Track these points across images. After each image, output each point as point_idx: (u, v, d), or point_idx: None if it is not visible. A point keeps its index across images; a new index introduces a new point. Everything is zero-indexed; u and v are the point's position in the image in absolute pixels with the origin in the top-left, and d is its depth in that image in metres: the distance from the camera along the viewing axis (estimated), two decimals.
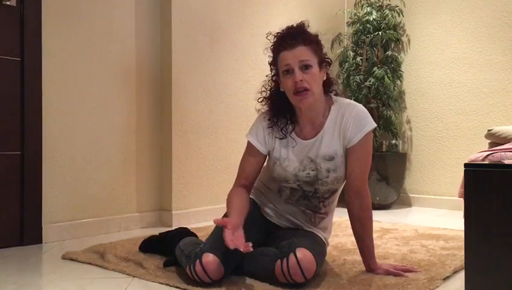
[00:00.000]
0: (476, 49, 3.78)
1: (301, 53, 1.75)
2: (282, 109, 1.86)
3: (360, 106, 1.86)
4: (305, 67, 1.75)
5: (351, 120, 1.80)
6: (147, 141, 3.09)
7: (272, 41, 1.83)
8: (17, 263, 2.19)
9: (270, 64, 1.87)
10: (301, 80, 1.73)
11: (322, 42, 1.87)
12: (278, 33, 1.82)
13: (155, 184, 3.14)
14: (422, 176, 4.05)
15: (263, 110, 1.93)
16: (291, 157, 1.86)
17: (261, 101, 1.92)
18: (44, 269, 2.15)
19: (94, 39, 2.82)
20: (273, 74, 1.87)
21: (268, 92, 1.91)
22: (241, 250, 1.61)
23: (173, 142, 3.10)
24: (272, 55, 1.84)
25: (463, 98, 3.84)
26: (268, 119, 1.89)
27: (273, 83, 1.89)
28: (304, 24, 1.83)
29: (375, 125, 1.85)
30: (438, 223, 3.15)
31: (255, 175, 1.94)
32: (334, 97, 1.89)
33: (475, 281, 1.41)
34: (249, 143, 1.92)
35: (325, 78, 1.84)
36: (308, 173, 1.85)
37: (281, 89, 1.83)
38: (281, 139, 1.88)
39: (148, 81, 3.10)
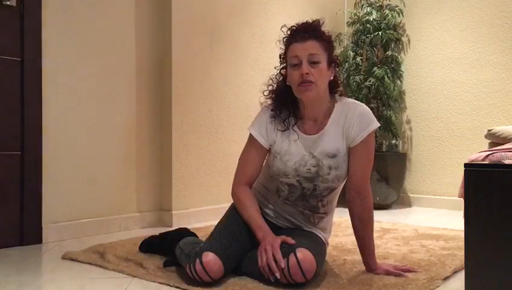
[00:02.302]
0: (476, 49, 3.78)
1: (311, 47, 1.76)
2: (285, 101, 1.87)
3: (364, 105, 1.87)
4: (313, 61, 1.76)
5: (355, 119, 1.81)
6: (147, 141, 3.09)
7: (286, 33, 1.85)
8: (17, 263, 2.19)
9: (281, 56, 1.89)
10: (307, 73, 1.75)
11: (334, 43, 1.89)
12: (292, 26, 1.85)
13: (155, 184, 3.14)
14: (422, 176, 4.05)
15: (266, 104, 1.94)
16: (292, 151, 1.86)
17: (266, 94, 1.92)
18: (44, 269, 2.15)
19: (94, 39, 2.82)
20: (282, 66, 1.89)
21: (275, 85, 1.91)
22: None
23: (173, 142, 3.10)
24: (283, 47, 1.86)
25: (463, 98, 3.84)
26: (271, 110, 1.90)
27: (281, 77, 1.90)
28: (319, 22, 1.85)
29: (379, 124, 1.85)
30: (438, 223, 3.15)
31: (257, 172, 1.93)
32: (337, 96, 1.90)
33: (475, 281, 1.41)
34: (251, 136, 1.92)
35: (332, 78, 1.85)
36: (309, 169, 1.84)
37: (287, 83, 1.84)
38: (282, 131, 1.88)
39: (148, 81, 3.10)
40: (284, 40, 1.85)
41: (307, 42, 1.77)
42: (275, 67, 1.94)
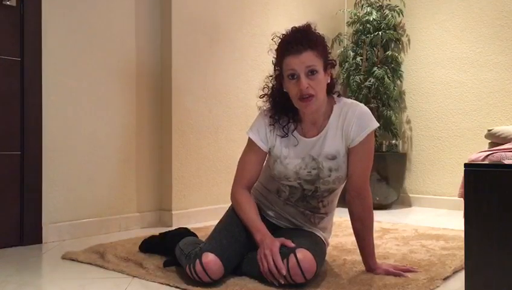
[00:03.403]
0: (476, 49, 3.78)
1: (307, 59, 1.72)
2: (284, 107, 1.85)
3: (363, 105, 1.85)
4: (311, 72, 1.72)
5: (354, 120, 1.79)
6: (147, 141, 3.09)
7: (277, 43, 1.80)
8: (17, 263, 2.19)
9: (274, 64, 1.84)
10: (307, 87, 1.72)
11: (328, 43, 1.84)
12: (283, 35, 1.79)
13: (155, 184, 3.14)
14: (422, 176, 4.05)
15: (265, 108, 1.92)
16: (292, 155, 1.86)
17: (262, 98, 1.91)
18: (44, 269, 2.15)
19: (94, 39, 2.82)
20: (276, 74, 1.84)
21: (270, 90, 1.89)
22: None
23: (173, 142, 3.10)
24: (275, 56, 1.82)
25: (463, 98, 3.84)
26: (270, 117, 1.88)
27: (275, 82, 1.86)
28: (310, 26, 1.80)
29: (378, 125, 1.84)
30: (438, 223, 3.15)
31: (256, 175, 1.93)
32: (335, 97, 1.88)
33: (475, 281, 1.41)
34: (250, 140, 1.91)
35: (329, 81, 1.82)
36: (310, 172, 1.84)
37: (284, 90, 1.81)
38: (282, 137, 1.87)
39: (148, 81, 3.10)
40: (277, 50, 1.80)
41: (303, 54, 1.71)
42: (270, 76, 1.89)
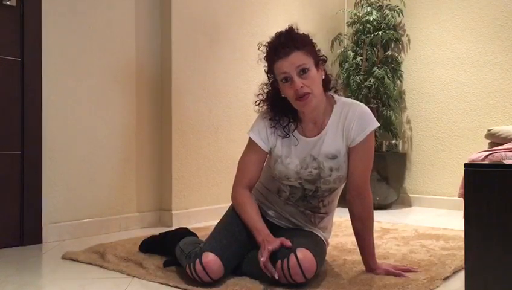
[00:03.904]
0: (476, 49, 3.78)
1: (296, 59, 1.73)
2: (283, 110, 1.86)
3: (363, 105, 1.86)
4: (303, 71, 1.74)
5: (354, 119, 1.80)
6: (146, 141, 3.09)
7: (265, 51, 1.82)
8: (17, 263, 2.19)
9: (267, 72, 1.86)
10: (301, 86, 1.73)
11: (314, 41, 1.84)
12: (268, 43, 1.81)
13: (155, 184, 3.14)
14: (422, 176, 4.05)
15: (264, 109, 1.93)
16: (293, 155, 1.86)
17: (258, 104, 1.91)
18: (44, 269, 2.15)
19: (94, 39, 2.82)
20: (271, 81, 1.86)
21: (266, 95, 1.89)
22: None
23: (173, 142, 3.10)
24: (266, 64, 1.83)
25: (463, 98, 3.84)
26: (270, 119, 1.89)
27: (271, 88, 1.87)
28: (292, 28, 1.81)
29: (378, 124, 1.85)
30: (438, 223, 3.15)
31: (257, 175, 1.93)
32: (335, 96, 1.89)
33: (475, 281, 1.41)
34: (250, 140, 1.91)
35: (323, 77, 1.83)
36: (311, 171, 1.84)
37: (282, 95, 1.82)
38: (283, 137, 1.88)
39: (148, 81, 3.10)
40: (265, 58, 1.81)
41: (291, 56, 1.73)
42: (265, 84, 1.90)
